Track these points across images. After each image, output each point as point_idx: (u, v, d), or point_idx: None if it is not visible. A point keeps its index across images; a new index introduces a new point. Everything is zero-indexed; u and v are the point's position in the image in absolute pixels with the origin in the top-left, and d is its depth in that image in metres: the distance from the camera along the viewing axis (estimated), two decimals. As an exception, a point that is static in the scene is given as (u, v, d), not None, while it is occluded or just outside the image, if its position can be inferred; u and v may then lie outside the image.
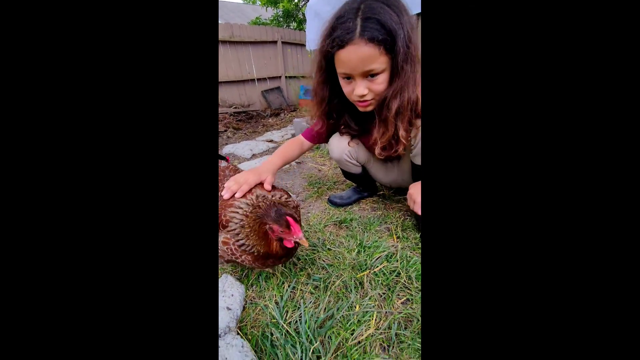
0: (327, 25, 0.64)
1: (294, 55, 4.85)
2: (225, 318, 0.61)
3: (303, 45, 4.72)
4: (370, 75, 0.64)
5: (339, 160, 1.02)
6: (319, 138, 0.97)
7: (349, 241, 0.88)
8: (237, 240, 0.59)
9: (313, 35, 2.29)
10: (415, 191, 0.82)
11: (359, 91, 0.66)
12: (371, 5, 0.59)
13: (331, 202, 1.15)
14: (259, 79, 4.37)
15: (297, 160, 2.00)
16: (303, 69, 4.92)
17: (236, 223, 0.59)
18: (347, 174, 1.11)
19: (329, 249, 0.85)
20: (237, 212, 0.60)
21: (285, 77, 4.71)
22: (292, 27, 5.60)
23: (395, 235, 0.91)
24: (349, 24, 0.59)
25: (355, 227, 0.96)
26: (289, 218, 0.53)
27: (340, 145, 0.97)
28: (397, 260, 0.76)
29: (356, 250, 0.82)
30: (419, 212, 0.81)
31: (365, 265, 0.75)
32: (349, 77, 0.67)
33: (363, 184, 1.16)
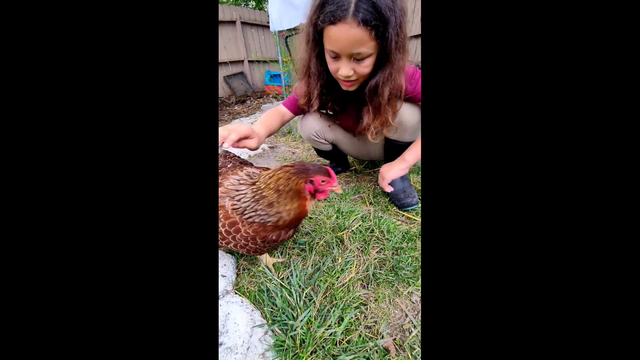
0: None
1: (256, 37, 4.62)
2: (222, 283, 0.66)
3: (265, 26, 4.50)
4: (356, 58, 0.64)
5: (308, 139, 1.08)
6: (302, 110, 0.95)
7: (327, 210, 0.97)
8: (256, 216, 0.55)
9: (276, 15, 2.22)
10: (385, 170, 0.91)
11: (345, 72, 0.66)
12: None
13: (308, 179, 1.22)
14: (219, 64, 4.10)
15: (270, 145, 2.01)
16: (267, 53, 4.73)
17: (247, 199, 0.56)
18: (319, 152, 1.19)
19: (310, 217, 0.93)
20: (240, 187, 0.58)
21: (249, 61, 4.49)
22: (250, 6, 5.27)
23: (368, 201, 1.03)
24: (342, 0, 0.56)
25: (333, 198, 1.06)
26: (328, 167, 0.55)
27: (308, 125, 1.02)
28: (371, 220, 0.88)
29: (335, 216, 0.91)
30: (386, 189, 0.92)
31: (344, 226, 0.85)
32: (335, 56, 0.66)
33: (336, 160, 1.25)
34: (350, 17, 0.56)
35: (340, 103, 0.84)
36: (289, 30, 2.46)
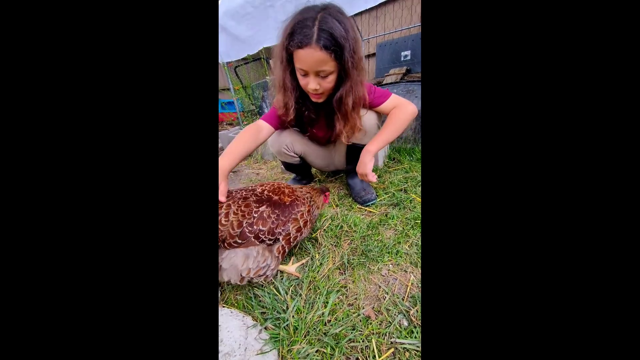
0: (288, 25, 0.77)
1: (203, 68, 4.61)
2: (207, 301, 0.67)
3: (211, 58, 4.55)
4: (321, 75, 0.80)
5: (278, 152, 1.17)
6: (283, 123, 1.03)
7: (299, 217, 1.05)
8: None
9: (223, 48, 2.35)
10: (361, 167, 0.99)
11: (312, 85, 0.83)
12: (326, 19, 0.73)
13: (276, 194, 1.29)
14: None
15: (233, 170, 2.02)
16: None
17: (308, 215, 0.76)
18: (287, 165, 1.28)
19: (284, 227, 0.99)
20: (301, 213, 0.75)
21: (197, 91, 4.41)
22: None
23: (334, 204, 1.15)
24: (307, 30, 0.73)
25: (302, 207, 1.14)
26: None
27: (279, 140, 1.13)
28: (339, 218, 0.99)
29: (307, 221, 1.00)
30: (373, 179, 0.98)
31: (317, 227, 0.94)
32: (305, 74, 0.83)
33: (301, 173, 1.36)
34: (314, 43, 0.73)
35: (315, 112, 1.00)
36: (237, 60, 2.60)
